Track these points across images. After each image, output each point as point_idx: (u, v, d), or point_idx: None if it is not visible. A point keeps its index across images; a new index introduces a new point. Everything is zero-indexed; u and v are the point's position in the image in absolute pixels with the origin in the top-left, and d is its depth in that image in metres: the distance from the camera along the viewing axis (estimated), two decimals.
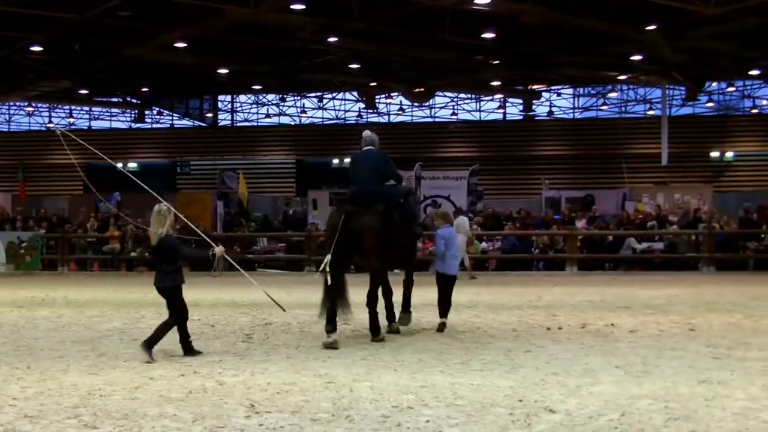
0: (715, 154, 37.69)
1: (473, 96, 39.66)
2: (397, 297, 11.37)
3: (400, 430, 6.03)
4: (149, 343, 9.23)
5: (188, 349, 9.48)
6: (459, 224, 20.82)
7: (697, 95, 35.88)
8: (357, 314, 10.93)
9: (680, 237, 24.56)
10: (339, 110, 41.44)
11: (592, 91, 39.37)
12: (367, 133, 11.46)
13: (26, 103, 40.86)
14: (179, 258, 9.88)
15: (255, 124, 42.20)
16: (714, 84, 37.29)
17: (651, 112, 38.37)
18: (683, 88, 35.38)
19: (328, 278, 10.29)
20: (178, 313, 9.53)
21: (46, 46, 26.66)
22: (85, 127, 42.97)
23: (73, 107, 41.55)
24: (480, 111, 40.68)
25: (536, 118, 40.24)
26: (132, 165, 40.58)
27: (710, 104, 38.38)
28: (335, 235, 10.31)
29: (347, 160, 39.57)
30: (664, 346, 9.73)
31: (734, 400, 6.89)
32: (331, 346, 9.86)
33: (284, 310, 11.00)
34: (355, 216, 10.43)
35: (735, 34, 25.69)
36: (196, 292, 17.43)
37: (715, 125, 38.18)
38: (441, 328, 11.26)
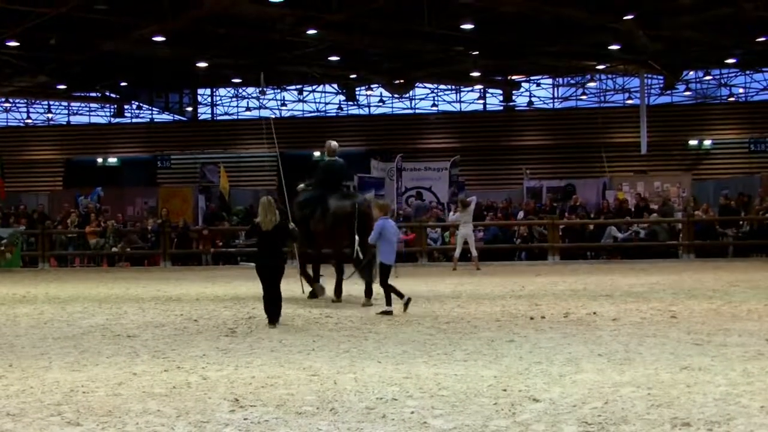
0: (693, 142, 37.93)
1: (453, 87, 39.69)
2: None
3: (384, 422, 6.04)
4: (275, 316, 11.00)
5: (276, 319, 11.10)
6: (468, 213, 21.04)
7: (674, 84, 36.11)
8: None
9: (660, 225, 24.71)
10: (319, 103, 41.39)
11: (572, 81, 39.51)
12: (335, 144, 14.74)
13: (3, 99, 40.52)
14: (289, 239, 12.41)
15: (235, 117, 42.06)
16: (691, 73, 37.53)
17: (630, 102, 38.54)
18: (661, 77, 35.58)
19: (360, 255, 13.10)
20: (279, 285, 11.19)
21: (22, 40, 26.43)
22: (64, 123, 42.70)
23: (51, 102, 41.24)
24: (460, 102, 40.75)
25: (516, 108, 40.35)
26: (112, 160, 40.39)
27: (688, 93, 38.64)
28: (353, 221, 13.26)
29: None
30: (645, 333, 9.79)
31: (715, 385, 6.94)
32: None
33: (303, 292, 13.89)
34: (362, 206, 13.47)
35: (711, 22, 25.86)
36: (178, 287, 17.41)
37: (692, 114, 38.42)
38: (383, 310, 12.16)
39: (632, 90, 38.09)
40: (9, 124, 42.82)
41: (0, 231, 26.05)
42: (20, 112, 42.55)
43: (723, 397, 6.53)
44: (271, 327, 10.87)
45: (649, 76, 35.47)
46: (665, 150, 36.47)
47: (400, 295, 12.11)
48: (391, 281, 12.24)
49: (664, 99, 38.84)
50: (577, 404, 6.41)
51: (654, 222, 24.79)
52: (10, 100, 41.02)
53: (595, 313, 11.73)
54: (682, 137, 37.67)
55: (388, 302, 12.08)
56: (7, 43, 26.56)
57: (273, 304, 11.13)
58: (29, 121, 42.58)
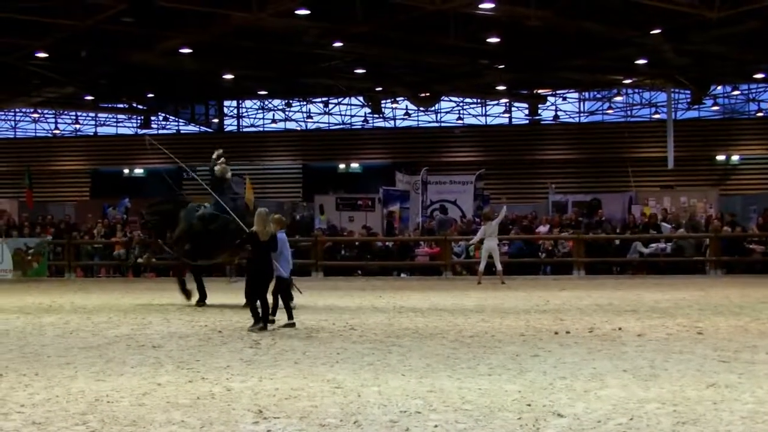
0: (720, 157, 37.66)
1: (479, 100, 39.67)
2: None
3: None
4: (264, 320, 11.87)
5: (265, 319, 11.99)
6: (494, 227, 20.95)
7: (702, 99, 35.86)
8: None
9: (687, 240, 24.54)
10: (345, 115, 41.49)
11: (598, 95, 39.37)
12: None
13: (32, 110, 40.95)
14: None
15: (261, 129, 42.24)
16: (719, 87, 37.27)
17: (656, 116, 38.33)
18: (688, 91, 35.37)
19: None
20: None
21: (51, 52, 26.71)
22: (91, 133, 43.07)
23: (78, 113, 41.62)
24: (486, 115, 40.71)
25: (542, 122, 40.22)
26: (138, 171, 40.66)
27: (715, 108, 38.37)
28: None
29: (354, 165, 39.84)
30: (671, 349, 9.71)
31: (742, 403, 6.87)
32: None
33: (300, 293, 14.01)
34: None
35: (739, 37, 25.69)
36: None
37: (720, 128, 38.16)
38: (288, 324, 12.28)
39: (659, 104, 37.89)
40: (37, 134, 43.28)
41: (27, 240, 26.29)
42: (48, 122, 43.00)
43: (750, 415, 6.46)
44: (258, 330, 11.67)
45: (676, 90, 35.28)
46: (692, 165, 36.24)
47: (289, 315, 12.33)
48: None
49: (692, 114, 38.60)
50: (602, 420, 6.36)
51: (680, 237, 24.62)
52: (38, 111, 41.45)
53: (620, 328, 11.64)
54: (709, 152, 37.42)
55: (289, 315, 12.32)
56: (36, 55, 26.84)
57: (267, 309, 12.08)
58: (57, 131, 43.01)
